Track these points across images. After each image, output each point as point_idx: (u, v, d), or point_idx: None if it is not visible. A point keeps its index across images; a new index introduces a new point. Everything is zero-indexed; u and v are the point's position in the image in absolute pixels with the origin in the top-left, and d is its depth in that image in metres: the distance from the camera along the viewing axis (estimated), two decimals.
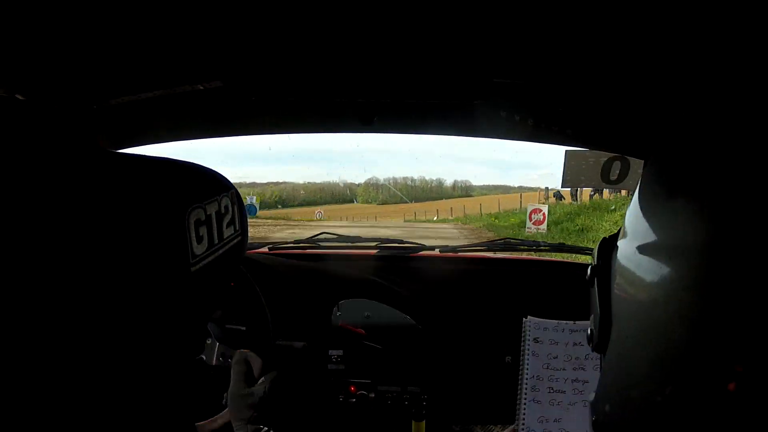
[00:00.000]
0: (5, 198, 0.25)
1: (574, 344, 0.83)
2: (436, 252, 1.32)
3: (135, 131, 1.04)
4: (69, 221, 0.27)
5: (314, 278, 1.15)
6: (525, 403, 0.82)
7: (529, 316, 0.87)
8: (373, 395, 1.08)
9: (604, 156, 1.11)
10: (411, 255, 1.31)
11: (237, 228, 0.42)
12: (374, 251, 1.32)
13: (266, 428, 0.78)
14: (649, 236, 0.31)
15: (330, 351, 1.09)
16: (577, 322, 0.85)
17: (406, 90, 0.81)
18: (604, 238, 0.38)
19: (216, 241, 0.38)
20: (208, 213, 0.37)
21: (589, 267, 0.38)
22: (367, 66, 0.74)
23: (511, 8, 0.52)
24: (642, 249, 0.31)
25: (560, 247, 1.39)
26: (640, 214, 0.33)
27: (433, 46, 0.66)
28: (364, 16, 0.56)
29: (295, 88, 0.81)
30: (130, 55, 0.67)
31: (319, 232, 1.40)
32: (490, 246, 1.35)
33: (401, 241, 1.35)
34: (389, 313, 1.13)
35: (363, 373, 1.09)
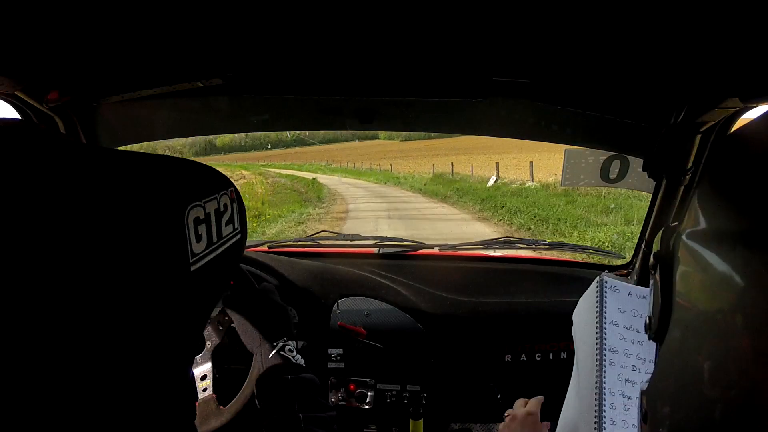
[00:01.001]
0: (1, 196, 0.25)
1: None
2: (436, 250, 1.32)
3: (135, 128, 1.04)
4: (67, 220, 0.27)
5: (313, 277, 1.15)
6: (605, 366, 0.75)
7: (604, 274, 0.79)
8: (373, 394, 1.08)
9: (603, 154, 1.11)
10: (410, 253, 1.31)
11: (236, 226, 0.42)
12: (374, 249, 1.32)
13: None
14: (721, 223, 0.28)
15: (330, 349, 1.09)
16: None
17: (406, 89, 0.81)
18: (668, 225, 0.37)
19: (215, 240, 0.38)
20: (207, 211, 0.37)
21: (652, 254, 0.36)
22: (366, 65, 0.74)
23: (511, 7, 0.52)
24: (711, 236, 0.29)
25: (560, 245, 1.39)
26: (713, 199, 0.31)
27: (433, 45, 0.66)
28: (364, 15, 0.55)
29: (295, 86, 0.81)
30: (130, 53, 0.67)
31: (318, 231, 1.40)
32: (490, 244, 1.35)
33: (400, 240, 1.35)
34: (389, 312, 1.13)
35: (363, 372, 1.10)
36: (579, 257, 1.53)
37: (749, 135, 0.30)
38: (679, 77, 0.69)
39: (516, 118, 0.98)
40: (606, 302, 0.78)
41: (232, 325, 0.90)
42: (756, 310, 0.24)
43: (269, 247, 1.32)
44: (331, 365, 1.09)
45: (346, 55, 0.70)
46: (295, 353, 0.80)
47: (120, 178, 0.32)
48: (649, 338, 0.37)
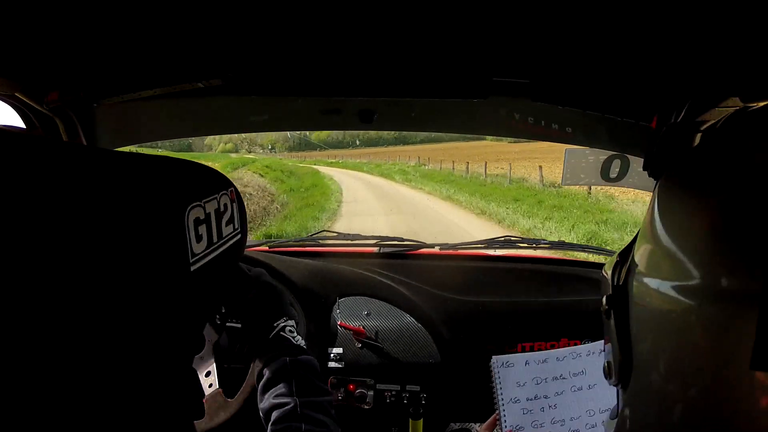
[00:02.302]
0: (1, 196, 0.25)
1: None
2: (436, 249, 1.32)
3: (135, 128, 1.04)
4: (67, 221, 0.27)
5: (314, 276, 1.15)
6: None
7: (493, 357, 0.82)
8: (372, 393, 1.08)
9: (603, 154, 1.11)
10: (411, 252, 1.31)
11: (236, 226, 0.42)
12: (374, 249, 1.32)
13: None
14: (676, 273, 0.29)
15: (329, 349, 1.09)
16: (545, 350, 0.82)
17: (406, 89, 0.81)
18: (616, 262, 0.36)
19: (215, 240, 0.38)
20: (207, 211, 0.37)
21: (604, 297, 0.36)
22: (367, 65, 0.74)
23: (511, 7, 0.52)
24: (667, 285, 0.29)
25: (560, 245, 1.39)
26: (659, 246, 0.31)
27: (433, 45, 0.66)
28: (364, 16, 0.55)
29: (295, 86, 0.81)
30: (130, 53, 0.67)
31: (318, 230, 1.40)
32: (490, 243, 1.35)
33: (401, 239, 1.35)
34: (389, 311, 1.13)
35: (362, 372, 1.09)
36: (579, 256, 1.53)
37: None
38: (679, 76, 0.69)
39: (516, 118, 0.98)
40: (500, 383, 0.79)
41: (229, 323, 0.90)
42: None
43: (269, 246, 1.33)
44: (330, 365, 1.09)
45: (346, 56, 0.70)
46: (295, 334, 0.77)
47: (120, 179, 0.32)
48: (612, 384, 0.37)
